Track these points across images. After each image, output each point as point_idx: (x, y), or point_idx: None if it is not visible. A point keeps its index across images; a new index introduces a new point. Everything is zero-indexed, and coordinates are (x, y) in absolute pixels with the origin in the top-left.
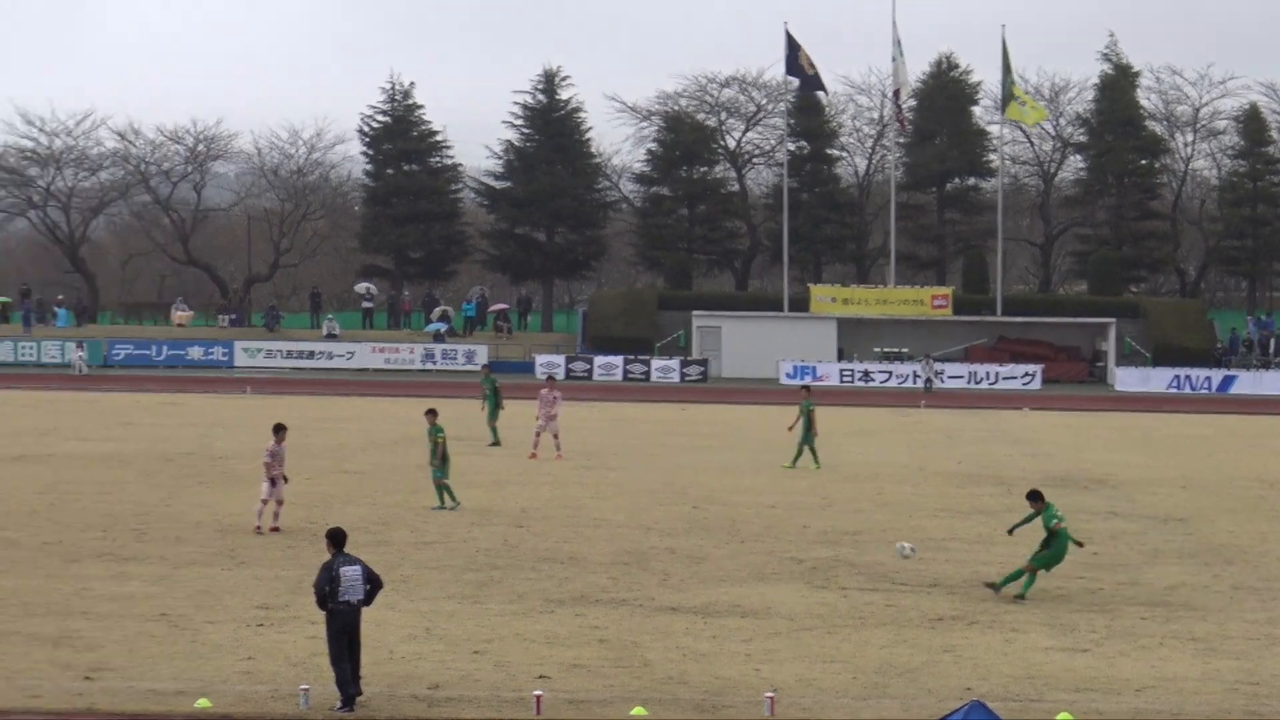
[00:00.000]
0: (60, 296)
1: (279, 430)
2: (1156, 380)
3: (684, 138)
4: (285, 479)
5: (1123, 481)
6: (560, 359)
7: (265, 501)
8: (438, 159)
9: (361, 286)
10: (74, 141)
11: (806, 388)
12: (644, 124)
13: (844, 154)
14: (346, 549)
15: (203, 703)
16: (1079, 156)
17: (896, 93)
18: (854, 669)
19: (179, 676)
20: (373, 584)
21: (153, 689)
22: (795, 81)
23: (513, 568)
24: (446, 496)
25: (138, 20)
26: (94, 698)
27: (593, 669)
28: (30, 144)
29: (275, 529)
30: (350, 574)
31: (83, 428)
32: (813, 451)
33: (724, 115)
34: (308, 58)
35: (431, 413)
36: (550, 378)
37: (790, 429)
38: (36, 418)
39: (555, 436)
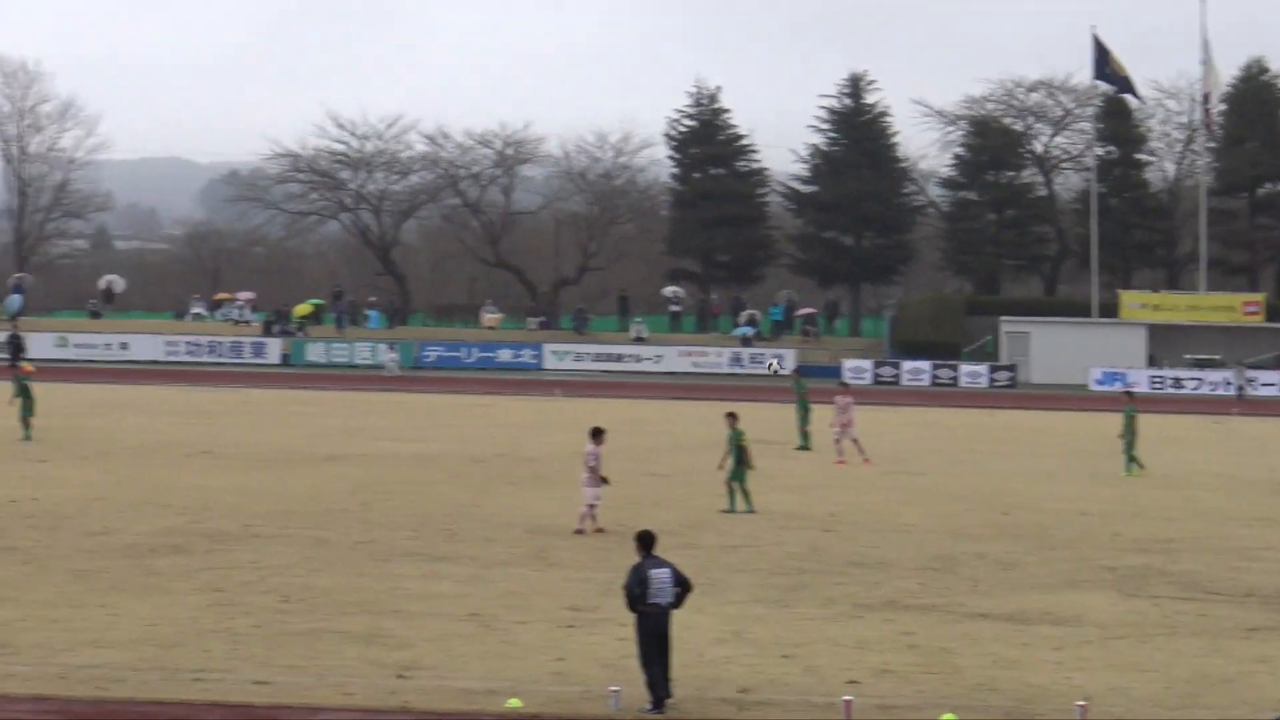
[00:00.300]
0: (372, 298)
1: (597, 434)
2: None
3: (991, 142)
4: (605, 480)
5: None
6: (867, 364)
7: (594, 505)
8: (744, 163)
9: (669, 290)
10: (385, 145)
11: (1129, 392)
12: (950, 128)
13: (1153, 159)
14: (655, 551)
15: (513, 703)
16: None
17: (1206, 96)
18: (1167, 678)
19: (490, 676)
20: (682, 586)
21: (464, 688)
22: (1102, 86)
23: (821, 572)
24: (741, 500)
25: (448, 26)
26: (406, 696)
27: (902, 674)
28: (342, 148)
29: (599, 529)
30: (660, 576)
31: (394, 428)
32: (1130, 458)
33: (1031, 120)
34: (615, 62)
35: (732, 416)
36: (844, 383)
37: (1120, 436)
38: (348, 418)
39: (855, 441)
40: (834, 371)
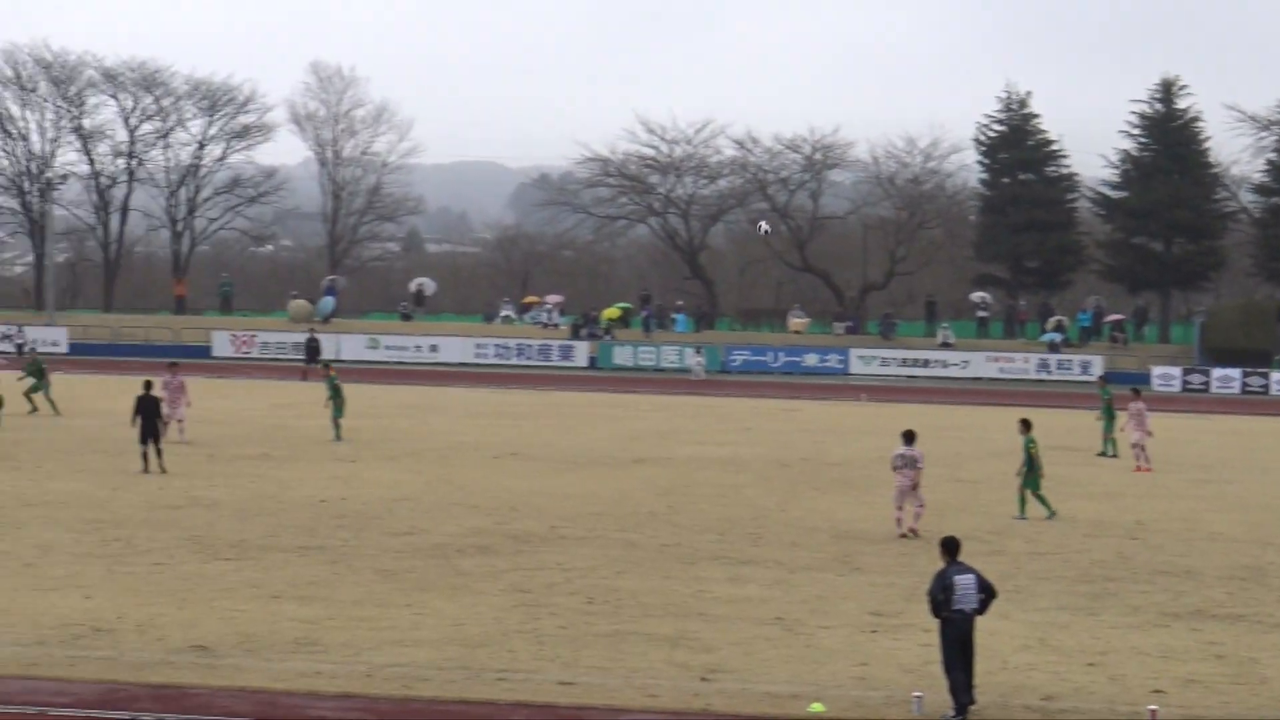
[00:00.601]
0: (680, 302)
1: (909, 437)
2: None
3: None
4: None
5: None
6: (1176, 371)
7: (921, 507)
8: (1053, 168)
9: (976, 295)
10: (694, 150)
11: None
12: (1263, 134)
13: None
14: (960, 558)
15: (816, 707)
16: None
17: None
18: None
19: (793, 680)
20: (986, 593)
21: (768, 692)
22: None
23: (1127, 580)
24: (1035, 506)
25: (758, 30)
26: (710, 699)
27: (1208, 684)
28: (651, 152)
29: (913, 530)
30: (964, 582)
31: (701, 432)
32: None
33: None
34: (925, 67)
35: (1024, 423)
36: (1135, 390)
37: None
38: (656, 421)
39: (1138, 447)
40: (1143, 379)
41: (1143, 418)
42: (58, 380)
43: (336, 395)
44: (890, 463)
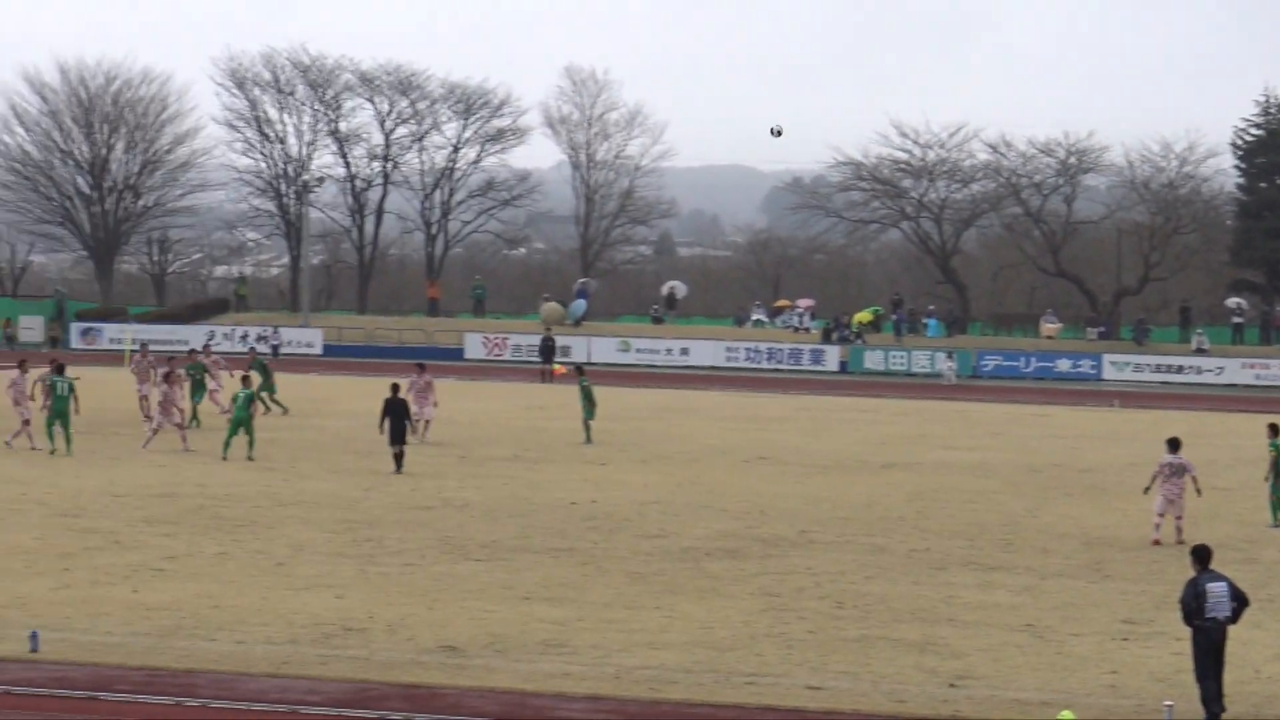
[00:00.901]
0: (931, 307)
1: (1174, 444)
2: None
3: None
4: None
5: None
6: None
7: (1180, 519)
8: None
9: (1232, 301)
10: (947, 154)
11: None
12: None
13: None
14: (1212, 566)
15: (1066, 715)
16: None
17: None
18: None
19: (1042, 688)
20: (1239, 601)
21: (1016, 699)
22: None
23: None
24: None
25: (1012, 35)
26: (958, 705)
27: None
28: (905, 155)
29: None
30: (1216, 590)
31: (951, 437)
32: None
33: None
34: (1181, 71)
35: (1273, 428)
36: None
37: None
38: (906, 426)
39: None
40: None
41: None
42: (312, 382)
43: (587, 398)
44: (1156, 471)
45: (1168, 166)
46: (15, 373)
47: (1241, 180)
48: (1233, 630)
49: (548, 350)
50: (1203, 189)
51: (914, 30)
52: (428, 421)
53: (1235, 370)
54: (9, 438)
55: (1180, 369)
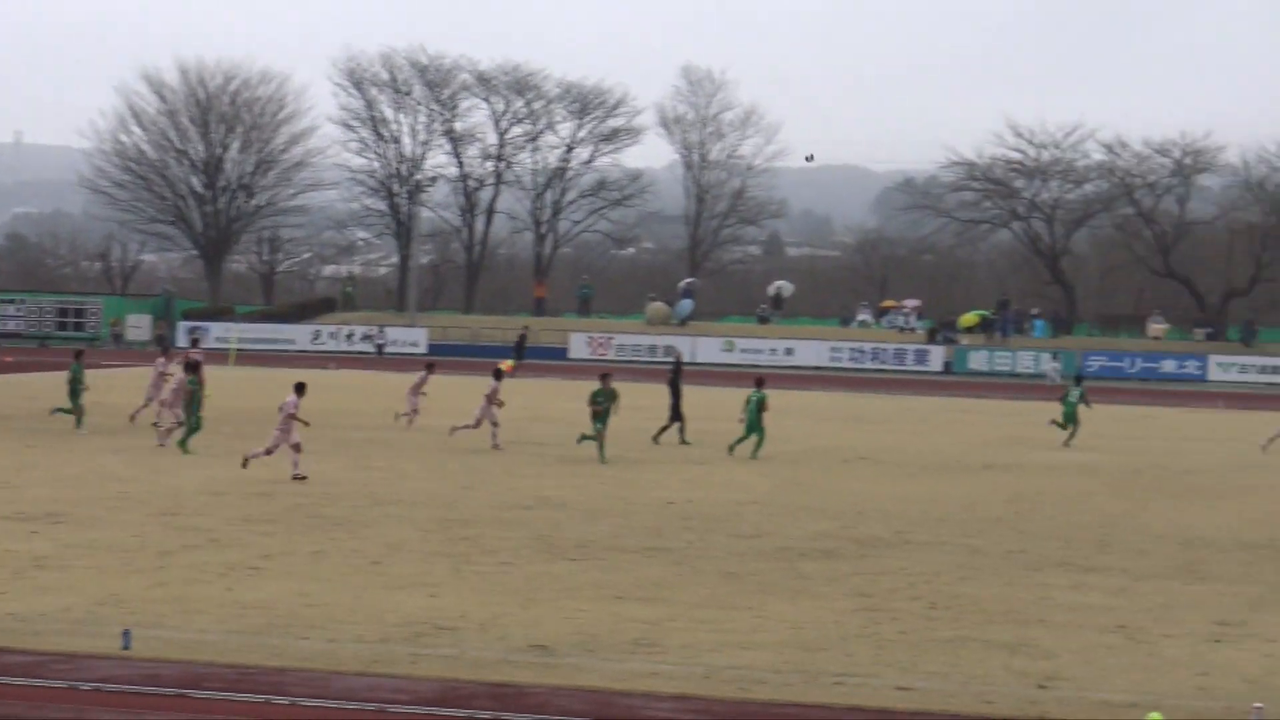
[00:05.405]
0: (1034, 310)
1: None
2: None
3: None
4: None
5: None
6: None
7: None
8: None
9: None
10: (1061, 154)
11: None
12: None
13: None
14: None
15: (1154, 716)
16: None
17: None
18: None
19: (1132, 689)
20: None
21: (1105, 700)
22: None
23: None
24: None
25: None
26: (1046, 706)
27: None
28: (1018, 156)
29: None
30: None
31: (1053, 438)
32: None
33: None
34: None
35: None
36: None
37: None
38: (1008, 427)
39: None
40: None
41: None
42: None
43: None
44: None
45: None
46: (176, 370)
47: None
48: None
49: (520, 345)
50: None
51: (1029, 31)
52: (414, 412)
53: None
54: (162, 437)
55: None
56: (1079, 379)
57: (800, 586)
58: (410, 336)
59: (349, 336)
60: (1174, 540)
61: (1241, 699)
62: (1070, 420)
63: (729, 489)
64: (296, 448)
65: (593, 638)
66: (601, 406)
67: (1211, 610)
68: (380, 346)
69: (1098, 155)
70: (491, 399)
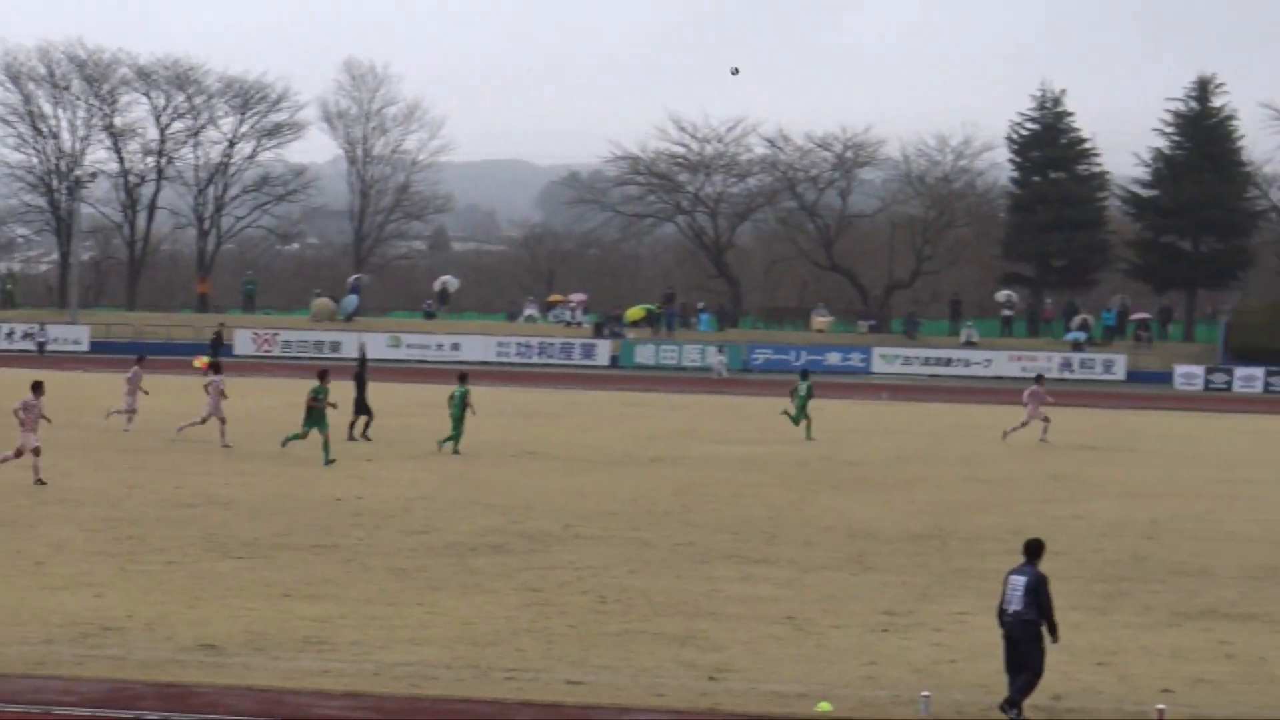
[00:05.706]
0: (700, 304)
1: None
2: None
3: None
4: None
5: None
6: (1199, 370)
7: None
8: (1085, 166)
9: (1002, 294)
10: (724, 148)
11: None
12: None
13: None
14: (1034, 562)
15: (823, 706)
16: None
17: None
18: None
19: (801, 680)
20: (1032, 595)
21: (775, 691)
22: None
23: (1140, 580)
24: None
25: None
26: (717, 698)
27: (1217, 684)
28: (682, 150)
29: None
30: (1014, 582)
31: (720, 431)
32: None
33: None
34: (959, 65)
35: None
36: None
37: None
38: (675, 420)
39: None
40: (1165, 378)
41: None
42: (78, 379)
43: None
44: None
45: (943, 160)
46: None
47: (1016, 174)
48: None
49: (216, 342)
50: (978, 183)
51: (694, 27)
52: (133, 411)
53: (1003, 363)
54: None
55: (949, 361)
56: (805, 373)
57: (470, 582)
58: (72, 334)
59: (9, 335)
60: (841, 532)
61: (909, 688)
62: (803, 414)
63: (397, 485)
64: (36, 452)
65: (261, 636)
66: (320, 404)
67: (879, 600)
68: (41, 344)
69: (761, 149)
70: (216, 392)
